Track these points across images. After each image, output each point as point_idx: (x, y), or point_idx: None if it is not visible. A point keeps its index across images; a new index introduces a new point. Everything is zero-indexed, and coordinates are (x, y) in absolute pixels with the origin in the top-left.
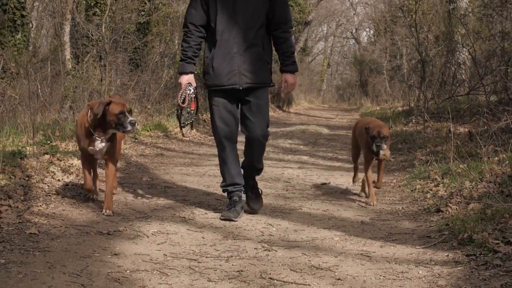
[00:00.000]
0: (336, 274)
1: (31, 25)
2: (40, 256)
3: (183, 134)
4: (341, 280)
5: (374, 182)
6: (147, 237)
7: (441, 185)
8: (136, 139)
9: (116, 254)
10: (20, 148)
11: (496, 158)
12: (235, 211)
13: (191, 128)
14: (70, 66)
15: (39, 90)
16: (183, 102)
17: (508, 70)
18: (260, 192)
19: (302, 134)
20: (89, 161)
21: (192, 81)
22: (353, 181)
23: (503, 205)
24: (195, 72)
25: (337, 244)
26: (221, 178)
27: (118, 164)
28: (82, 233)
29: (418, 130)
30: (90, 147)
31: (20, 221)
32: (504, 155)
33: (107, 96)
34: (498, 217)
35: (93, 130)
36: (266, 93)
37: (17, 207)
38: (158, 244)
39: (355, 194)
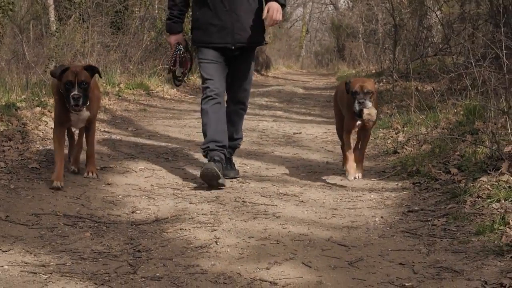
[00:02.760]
0: (300, 198)
1: None
2: (43, 184)
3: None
4: (304, 202)
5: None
6: (135, 172)
7: (401, 132)
8: (119, 96)
9: (109, 184)
10: (12, 102)
11: (455, 110)
12: (214, 165)
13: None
14: (54, 27)
15: (25, 51)
16: (174, 65)
17: (473, 33)
18: (236, 168)
19: (278, 93)
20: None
21: (180, 40)
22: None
23: (442, 135)
24: (183, 31)
25: (303, 178)
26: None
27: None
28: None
29: (387, 89)
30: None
31: (22, 158)
32: (460, 108)
33: (89, 56)
34: (443, 154)
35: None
36: (253, 53)
37: (18, 148)
38: (145, 177)
39: (323, 141)
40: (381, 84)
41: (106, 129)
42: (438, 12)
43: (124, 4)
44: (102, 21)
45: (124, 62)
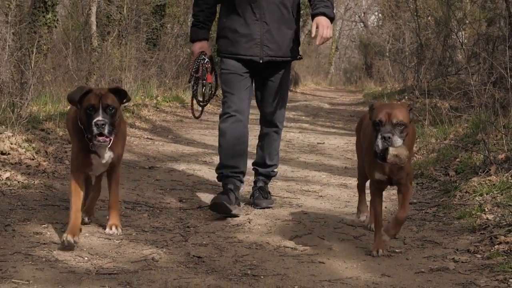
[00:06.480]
0: (319, 194)
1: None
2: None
3: (194, 115)
4: (322, 197)
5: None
6: (179, 171)
7: (414, 144)
8: (157, 108)
9: (157, 180)
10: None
11: (466, 125)
12: (226, 198)
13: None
14: (96, 43)
15: (70, 65)
16: (196, 72)
17: (493, 53)
18: (271, 197)
19: (305, 108)
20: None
21: (206, 49)
22: (358, 213)
23: (446, 145)
24: (209, 39)
25: (323, 179)
26: None
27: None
28: (129, 167)
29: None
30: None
31: None
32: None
33: (127, 71)
34: (446, 160)
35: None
36: (288, 70)
37: None
38: (187, 176)
39: (344, 151)
40: (403, 100)
41: (149, 136)
42: (462, 33)
43: (160, 22)
44: (139, 38)
45: (160, 77)
